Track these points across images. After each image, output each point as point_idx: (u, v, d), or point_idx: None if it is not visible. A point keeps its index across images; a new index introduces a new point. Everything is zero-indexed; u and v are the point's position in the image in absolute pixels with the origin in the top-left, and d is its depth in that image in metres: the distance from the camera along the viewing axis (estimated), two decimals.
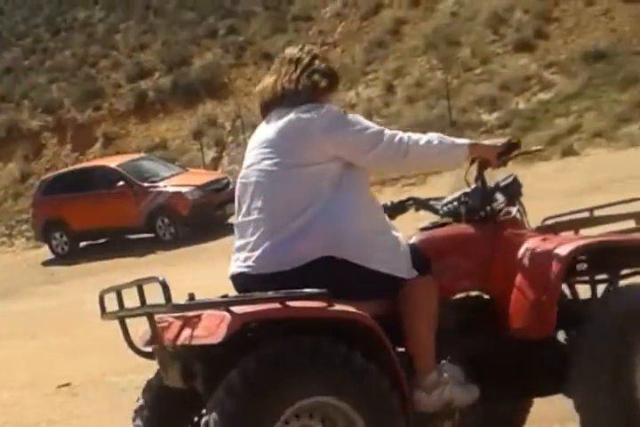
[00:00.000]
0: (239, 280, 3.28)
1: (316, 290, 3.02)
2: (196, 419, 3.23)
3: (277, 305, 2.97)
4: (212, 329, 2.93)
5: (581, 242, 3.47)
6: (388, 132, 3.30)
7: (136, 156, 17.46)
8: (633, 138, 13.46)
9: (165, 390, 3.32)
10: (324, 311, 3.01)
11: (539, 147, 4.51)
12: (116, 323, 3.30)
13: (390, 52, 18.95)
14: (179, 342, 3.07)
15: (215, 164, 19.04)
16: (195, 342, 3.00)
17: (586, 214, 4.04)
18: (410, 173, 3.17)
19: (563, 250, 3.38)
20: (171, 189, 15.33)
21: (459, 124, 16.11)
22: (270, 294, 3.01)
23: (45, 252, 16.26)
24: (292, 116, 3.28)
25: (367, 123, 3.34)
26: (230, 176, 16.83)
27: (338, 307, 3.02)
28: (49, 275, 14.44)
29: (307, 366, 2.94)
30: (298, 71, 3.41)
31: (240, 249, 3.30)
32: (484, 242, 3.51)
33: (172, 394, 3.30)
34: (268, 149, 3.30)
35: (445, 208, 3.65)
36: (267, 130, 3.35)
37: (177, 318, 3.14)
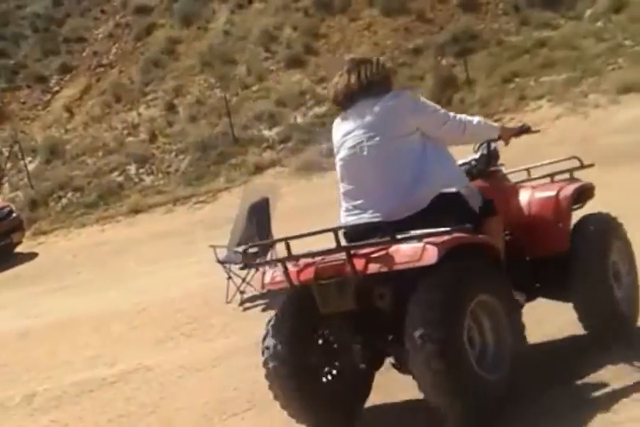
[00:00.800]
0: (367, 230, 4.17)
1: (468, 225, 4.11)
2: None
3: (459, 235, 4.01)
4: (419, 256, 3.86)
5: (578, 184, 5.06)
6: (450, 113, 4.51)
7: None
8: None
9: (296, 316, 4.40)
10: (480, 239, 4.17)
11: (537, 129, 5.69)
12: None
13: (167, 72, 19.10)
14: (370, 272, 3.96)
15: None
16: (399, 267, 3.91)
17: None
18: (463, 144, 4.60)
19: (568, 190, 4.92)
20: None
21: (242, 140, 16.52)
22: (440, 229, 3.98)
23: None
24: (382, 103, 4.28)
25: (436, 105, 4.52)
26: (12, 204, 16.29)
27: (482, 236, 4.21)
28: None
29: (476, 276, 4.07)
30: (374, 68, 4.37)
31: (359, 207, 4.30)
32: (494, 190, 4.71)
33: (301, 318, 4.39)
34: (370, 130, 4.28)
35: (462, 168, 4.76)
36: (360, 116, 4.32)
37: (332, 259, 4.15)
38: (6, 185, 18.57)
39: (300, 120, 16.46)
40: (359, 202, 4.30)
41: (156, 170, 17.06)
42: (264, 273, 4.46)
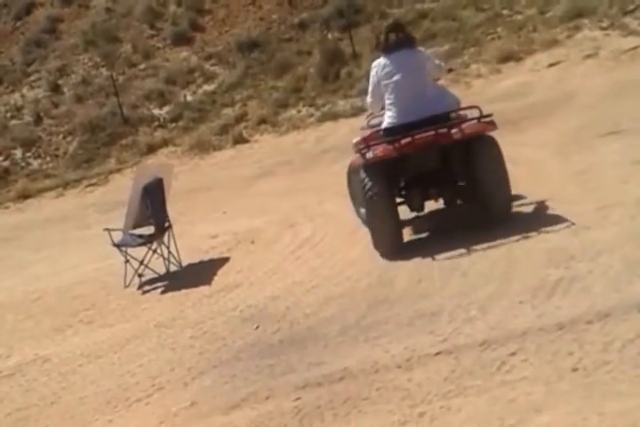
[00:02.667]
0: (419, 120, 6.71)
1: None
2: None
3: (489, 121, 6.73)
4: (483, 128, 6.64)
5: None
6: (439, 62, 7.32)
7: None
8: (293, 122, 14.47)
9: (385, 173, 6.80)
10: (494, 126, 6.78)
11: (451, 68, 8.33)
12: None
13: (50, 52, 18.58)
14: (456, 138, 6.60)
15: None
16: (474, 134, 6.62)
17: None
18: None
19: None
20: None
21: (131, 119, 16.27)
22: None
23: None
24: (417, 52, 7.03)
25: (433, 57, 7.39)
26: None
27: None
28: None
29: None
30: (408, 31, 7.35)
31: (411, 102, 6.80)
32: None
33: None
34: (415, 68, 6.87)
35: None
36: (405, 59, 6.90)
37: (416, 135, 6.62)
38: None
39: (190, 98, 16.31)
40: (405, 105, 6.79)
41: (43, 153, 16.64)
42: (373, 149, 6.66)
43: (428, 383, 4.69)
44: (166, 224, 8.95)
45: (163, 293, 8.22)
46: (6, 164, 16.56)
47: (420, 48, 7.13)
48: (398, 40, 6.90)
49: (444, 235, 7.28)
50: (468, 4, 15.69)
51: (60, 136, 16.74)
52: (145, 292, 8.38)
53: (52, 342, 7.61)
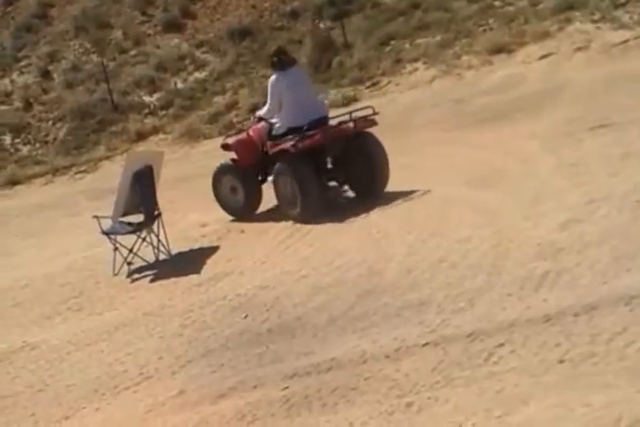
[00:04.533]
0: (315, 119, 8.44)
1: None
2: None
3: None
4: (371, 124, 8.51)
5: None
6: None
7: None
8: None
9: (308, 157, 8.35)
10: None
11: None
12: None
13: (41, 37, 18.46)
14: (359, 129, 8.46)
15: None
16: (367, 128, 8.48)
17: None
18: None
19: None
20: None
21: (122, 106, 16.19)
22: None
23: None
24: (302, 70, 9.15)
25: None
26: None
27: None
28: None
29: None
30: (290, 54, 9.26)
31: (305, 109, 8.43)
32: None
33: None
34: (303, 78, 8.70)
35: None
36: (295, 73, 8.61)
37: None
38: None
39: (180, 85, 16.25)
40: (304, 107, 8.40)
41: (32, 139, 16.53)
42: (299, 142, 8.17)
43: (416, 374, 4.72)
44: (156, 212, 8.93)
45: (152, 281, 8.23)
46: None
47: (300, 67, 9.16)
48: (288, 60, 8.67)
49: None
50: None
51: (50, 122, 16.64)
52: (134, 280, 8.39)
53: (41, 329, 7.61)
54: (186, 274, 8.04)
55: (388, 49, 15.19)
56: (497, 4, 15.25)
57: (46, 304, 8.25)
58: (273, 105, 8.54)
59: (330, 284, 6.64)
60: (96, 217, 8.68)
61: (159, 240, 8.77)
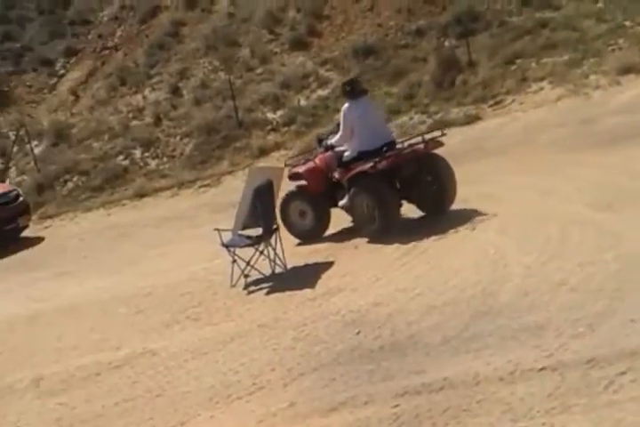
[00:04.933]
0: (385, 144, 8.96)
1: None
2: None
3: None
4: (435, 146, 8.96)
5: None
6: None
7: None
8: (404, 128, 14.39)
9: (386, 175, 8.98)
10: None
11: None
12: None
13: (172, 55, 19.08)
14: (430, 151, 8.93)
15: (1, 175, 18.41)
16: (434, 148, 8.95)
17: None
18: None
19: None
20: None
21: (246, 123, 16.53)
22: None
23: None
24: (370, 100, 9.62)
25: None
26: (19, 187, 16.39)
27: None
28: None
29: None
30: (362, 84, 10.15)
31: (375, 135, 8.97)
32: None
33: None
34: (373, 107, 9.32)
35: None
36: (366, 102, 9.18)
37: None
38: (13, 169, 18.65)
39: (303, 103, 16.47)
40: (377, 133, 9.01)
41: (160, 153, 17.09)
42: (370, 164, 8.73)
43: (531, 399, 4.60)
44: (274, 226, 9.06)
45: (267, 294, 8.33)
46: (126, 163, 17.11)
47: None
48: (360, 90, 9.18)
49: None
50: (589, 14, 15.31)
51: (178, 137, 17.17)
52: (250, 292, 8.51)
53: (161, 336, 7.82)
54: (300, 288, 8.10)
55: (513, 68, 14.97)
56: (627, 23, 14.81)
57: (167, 312, 8.47)
58: (346, 132, 9.02)
59: (444, 303, 6.56)
60: (217, 230, 8.85)
61: (276, 254, 8.89)
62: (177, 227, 12.89)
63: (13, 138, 19.04)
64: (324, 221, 9.53)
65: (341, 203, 9.18)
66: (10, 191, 15.55)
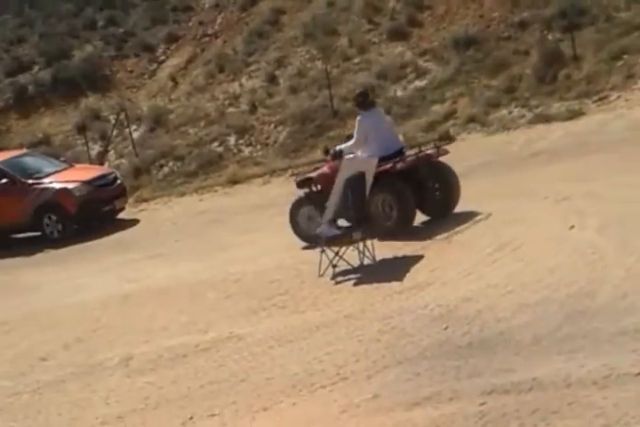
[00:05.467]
0: (397, 150, 9.69)
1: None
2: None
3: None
4: (442, 153, 9.74)
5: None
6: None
7: (18, 152, 17.08)
8: (503, 122, 14.11)
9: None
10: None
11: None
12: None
13: (270, 43, 19.16)
14: (439, 158, 9.74)
15: (101, 158, 18.86)
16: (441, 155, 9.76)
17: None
18: None
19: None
20: (57, 186, 15.11)
21: (341, 112, 16.47)
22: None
23: None
24: (381, 110, 10.62)
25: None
26: (117, 170, 16.77)
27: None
28: None
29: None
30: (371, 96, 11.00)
31: (388, 141, 9.64)
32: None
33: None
34: (385, 117, 10.20)
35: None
36: (378, 112, 10.04)
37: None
38: (112, 152, 19.09)
39: (400, 93, 16.31)
40: (389, 141, 9.69)
41: (254, 141, 17.20)
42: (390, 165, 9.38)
43: (626, 404, 4.41)
44: (365, 217, 8.99)
45: (355, 285, 8.29)
46: (220, 149, 17.28)
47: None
48: (371, 102, 9.92)
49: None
50: None
51: (272, 125, 17.24)
52: (338, 282, 8.48)
53: (247, 322, 7.86)
54: (388, 280, 8.02)
55: (619, 64, 14.48)
56: None
57: (254, 299, 8.51)
58: (359, 139, 9.66)
59: (537, 302, 6.38)
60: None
61: (365, 245, 8.82)
62: (267, 214, 12.95)
63: (113, 122, 19.46)
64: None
65: None
66: (108, 174, 15.93)
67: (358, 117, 9.78)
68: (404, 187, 9.38)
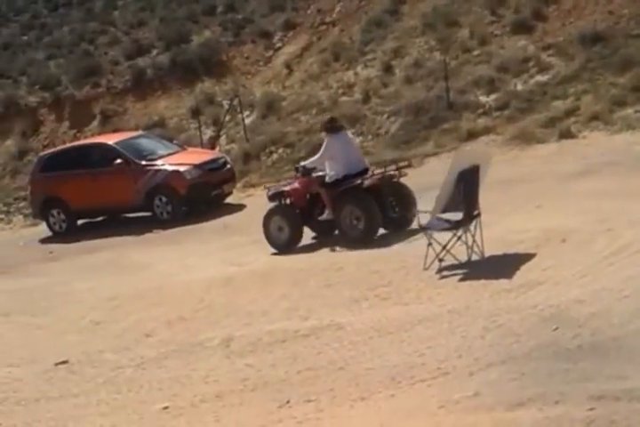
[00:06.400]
0: (362, 170, 10.78)
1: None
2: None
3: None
4: (403, 174, 10.84)
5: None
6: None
7: (134, 133, 17.47)
8: (629, 121, 13.54)
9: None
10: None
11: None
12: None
13: (389, 32, 18.95)
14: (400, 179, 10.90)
15: (213, 142, 19.10)
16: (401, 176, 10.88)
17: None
18: None
19: None
20: (169, 168, 15.37)
21: (456, 105, 16.16)
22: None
23: (43, 229, 16.37)
24: (348, 134, 11.83)
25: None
26: (228, 155, 16.94)
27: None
28: (47, 253, 14.55)
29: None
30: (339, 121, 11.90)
31: (353, 162, 10.72)
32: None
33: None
34: (351, 140, 11.50)
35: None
36: (345, 136, 11.16)
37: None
38: (224, 137, 19.31)
39: (520, 87, 15.84)
40: (353, 161, 10.73)
41: (366, 131, 17.04)
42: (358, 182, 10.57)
43: None
44: (475, 212, 8.76)
45: (461, 280, 8.08)
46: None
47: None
48: (339, 126, 11.01)
49: None
50: None
51: (385, 116, 17.05)
52: (443, 277, 8.29)
53: (348, 311, 7.77)
54: (496, 278, 7.78)
55: None
56: None
57: (356, 289, 8.41)
58: (322, 158, 10.77)
59: None
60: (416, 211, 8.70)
61: (474, 240, 8.60)
62: None
63: (227, 107, 19.67)
64: (297, 234, 10.89)
65: (322, 217, 10.81)
66: (219, 158, 16.11)
67: (326, 140, 10.88)
68: (371, 201, 10.38)
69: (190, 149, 16.87)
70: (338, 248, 10.37)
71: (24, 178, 19.12)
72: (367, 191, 10.46)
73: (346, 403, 5.64)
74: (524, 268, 7.93)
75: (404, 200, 10.61)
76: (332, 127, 10.89)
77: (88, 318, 9.20)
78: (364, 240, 10.21)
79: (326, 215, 10.73)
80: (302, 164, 11.15)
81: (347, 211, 10.44)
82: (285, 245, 10.83)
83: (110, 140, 16.53)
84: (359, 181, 10.48)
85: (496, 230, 9.26)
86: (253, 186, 16.53)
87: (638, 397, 4.69)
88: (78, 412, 6.56)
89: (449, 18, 18.12)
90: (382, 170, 10.77)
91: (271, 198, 11.30)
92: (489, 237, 8.73)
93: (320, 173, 10.81)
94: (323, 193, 10.68)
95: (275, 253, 10.80)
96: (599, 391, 4.88)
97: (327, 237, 10.73)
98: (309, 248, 10.79)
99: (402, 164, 10.96)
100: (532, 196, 10.77)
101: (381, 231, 10.44)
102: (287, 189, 11.15)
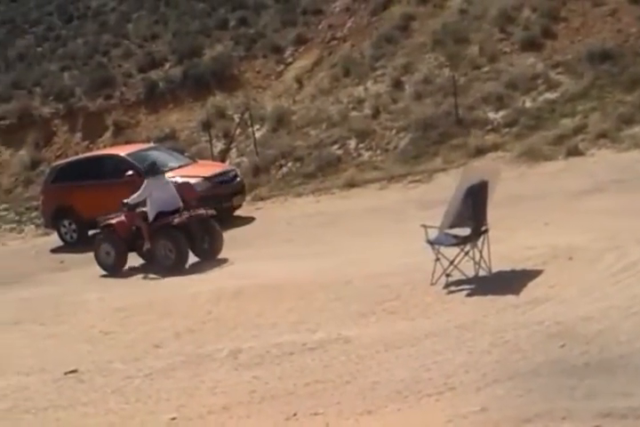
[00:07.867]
0: (175, 209, 12.58)
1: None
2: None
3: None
4: (210, 213, 12.93)
5: None
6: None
7: (146, 145, 17.60)
8: (636, 139, 13.59)
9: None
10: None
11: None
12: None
13: (399, 49, 19.06)
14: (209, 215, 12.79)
15: (223, 155, 19.21)
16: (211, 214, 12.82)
17: None
18: None
19: None
20: (179, 180, 15.45)
21: (465, 121, 16.24)
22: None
23: (54, 239, 16.47)
24: (165, 177, 13.21)
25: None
26: (238, 168, 17.03)
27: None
28: (58, 262, 14.64)
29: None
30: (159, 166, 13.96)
31: (168, 201, 12.59)
32: None
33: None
34: (166, 182, 12.96)
35: None
36: (161, 178, 12.90)
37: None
38: (234, 150, 19.41)
39: (528, 104, 15.93)
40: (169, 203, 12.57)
41: (375, 146, 17.14)
42: (170, 220, 12.49)
43: None
44: (483, 228, 8.80)
45: (468, 295, 8.11)
46: (340, 152, 17.30)
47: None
48: (158, 170, 12.87)
49: None
50: None
51: (394, 131, 17.15)
52: (450, 292, 8.32)
53: (356, 325, 7.80)
54: (504, 294, 7.81)
55: None
56: None
57: (364, 303, 8.44)
58: (140, 197, 12.49)
59: None
60: (424, 226, 8.73)
61: (482, 256, 8.63)
62: (383, 220, 12.87)
63: (237, 120, 19.79)
64: (122, 259, 12.80)
65: (144, 248, 12.50)
66: (229, 171, 16.20)
67: (145, 181, 12.59)
68: (180, 236, 12.19)
69: (201, 162, 16.97)
70: (151, 275, 12.02)
71: (36, 188, 19.27)
72: (177, 228, 12.22)
73: (352, 417, 5.67)
74: (531, 284, 7.95)
75: (211, 235, 12.51)
76: (152, 170, 12.76)
77: (98, 327, 9.26)
78: (175, 269, 11.93)
79: (145, 246, 12.51)
80: (125, 200, 12.67)
81: (161, 244, 12.27)
82: (111, 268, 12.75)
83: (122, 151, 16.64)
84: (170, 219, 12.26)
85: (504, 246, 9.29)
86: (262, 199, 16.62)
87: None
88: (87, 421, 6.60)
89: (458, 35, 18.23)
90: (191, 211, 12.55)
91: (102, 228, 13.12)
92: (496, 253, 8.77)
93: (143, 209, 12.55)
94: (142, 227, 12.49)
95: (279, 267, 10.83)
96: (606, 409, 4.91)
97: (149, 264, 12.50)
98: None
99: (208, 209, 12.72)
100: (540, 213, 10.82)
101: (196, 260, 12.27)
102: (114, 221, 12.87)
